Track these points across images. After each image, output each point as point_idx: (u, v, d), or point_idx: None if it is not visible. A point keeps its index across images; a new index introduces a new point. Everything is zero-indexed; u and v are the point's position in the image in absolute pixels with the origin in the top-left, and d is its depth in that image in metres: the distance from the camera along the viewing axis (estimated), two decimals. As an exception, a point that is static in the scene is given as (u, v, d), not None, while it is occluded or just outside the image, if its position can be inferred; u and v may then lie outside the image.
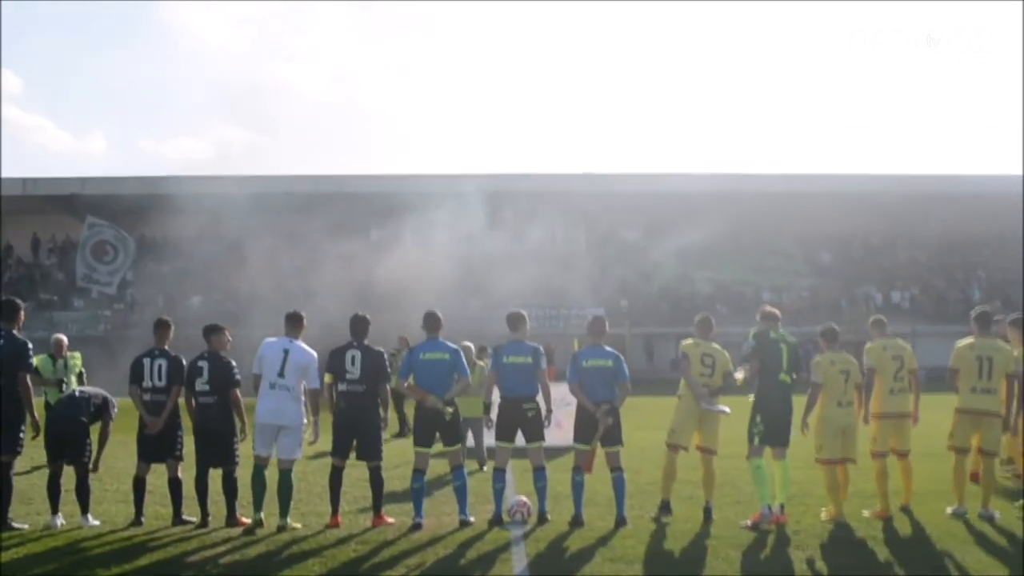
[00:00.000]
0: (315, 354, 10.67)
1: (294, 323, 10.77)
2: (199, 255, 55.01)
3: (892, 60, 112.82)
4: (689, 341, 11.26)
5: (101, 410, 10.83)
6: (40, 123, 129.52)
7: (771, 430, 10.68)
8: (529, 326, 11.00)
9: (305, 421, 10.62)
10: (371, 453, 10.61)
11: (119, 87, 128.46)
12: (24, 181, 56.02)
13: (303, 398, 10.57)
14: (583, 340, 11.15)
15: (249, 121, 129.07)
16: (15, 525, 10.33)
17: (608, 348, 10.87)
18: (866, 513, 10.82)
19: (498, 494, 10.68)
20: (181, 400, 10.77)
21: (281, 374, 10.41)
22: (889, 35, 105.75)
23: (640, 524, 10.37)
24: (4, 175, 57.45)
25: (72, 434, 10.56)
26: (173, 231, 60.67)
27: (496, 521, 10.44)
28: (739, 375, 11.01)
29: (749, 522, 10.31)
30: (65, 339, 13.85)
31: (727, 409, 10.85)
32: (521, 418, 10.66)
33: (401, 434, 19.67)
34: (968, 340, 11.24)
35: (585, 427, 10.65)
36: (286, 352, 10.49)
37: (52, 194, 56.32)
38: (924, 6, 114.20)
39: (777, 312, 11.28)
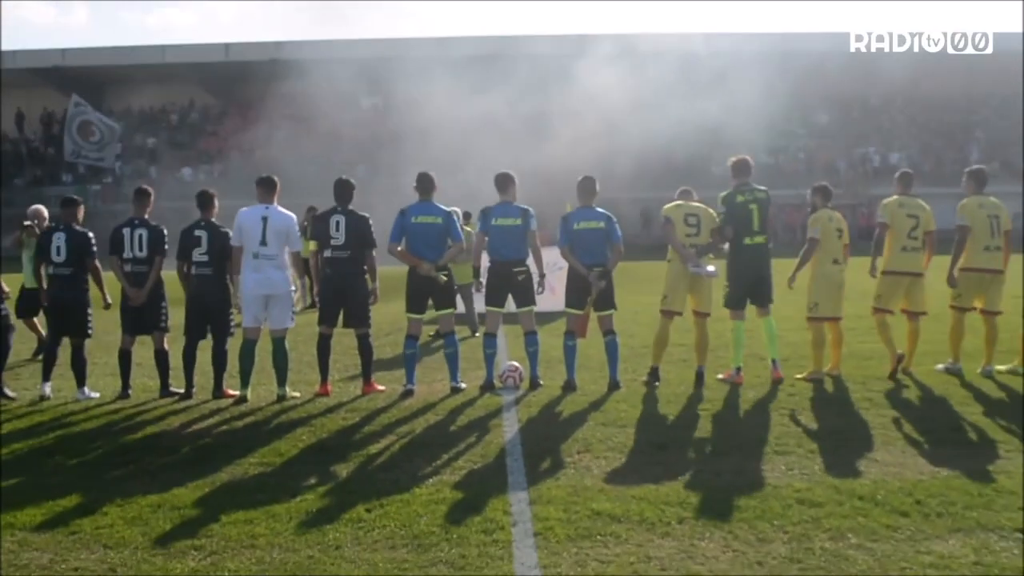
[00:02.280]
0: (294, 216, 10.35)
1: (268, 187, 10.31)
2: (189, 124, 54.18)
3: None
4: (670, 205, 10.97)
5: (84, 250, 10.45)
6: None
7: (737, 292, 10.61)
8: (517, 187, 10.64)
9: (293, 288, 10.39)
10: (359, 320, 10.39)
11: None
12: (2, 54, 54.64)
13: (288, 264, 10.29)
14: (573, 202, 10.81)
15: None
16: (7, 392, 10.39)
17: (600, 209, 10.55)
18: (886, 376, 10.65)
19: (489, 360, 10.53)
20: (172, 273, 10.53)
21: (263, 242, 10.05)
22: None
23: (633, 388, 10.26)
24: (-17, 48, 56.26)
25: (70, 307, 10.41)
26: (160, 102, 59.72)
27: (487, 387, 10.32)
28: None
29: (721, 375, 10.68)
30: (44, 210, 13.08)
31: (715, 271, 10.64)
32: (511, 282, 10.42)
33: (313, 306, 15.86)
34: (973, 198, 11.01)
35: (577, 291, 10.42)
36: (265, 219, 10.10)
37: (33, 67, 54.97)
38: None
39: (749, 160, 10.87)
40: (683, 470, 7.17)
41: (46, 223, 11.85)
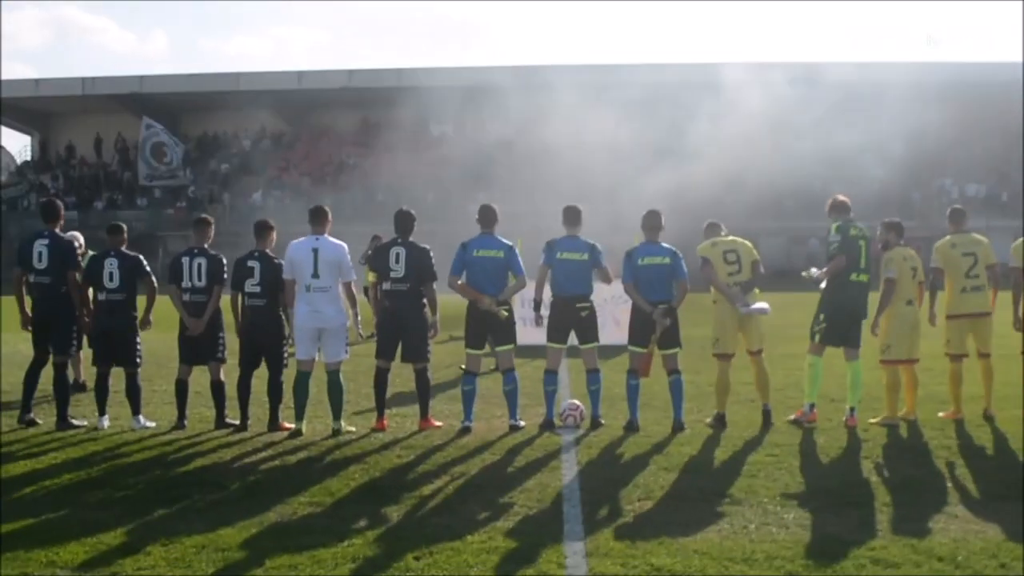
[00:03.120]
0: (345, 246, 10.14)
1: (319, 218, 10.15)
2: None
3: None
4: (705, 243, 10.62)
5: (138, 272, 10.45)
6: (103, 24, 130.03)
7: (834, 329, 10.17)
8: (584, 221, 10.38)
9: (347, 320, 10.21)
10: (417, 354, 10.18)
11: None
12: (83, 81, 56.00)
13: (341, 296, 10.10)
14: (640, 236, 10.50)
15: (307, 17, 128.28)
16: (75, 423, 10.37)
17: (665, 245, 10.22)
18: (940, 414, 10.47)
19: (550, 397, 10.25)
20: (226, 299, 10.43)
21: (315, 274, 9.87)
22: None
23: (697, 429, 9.90)
24: (66, 75, 57.62)
25: (120, 334, 10.34)
26: (232, 128, 60.55)
27: (547, 426, 10.03)
28: (813, 272, 10.38)
29: (792, 416, 10.24)
30: (80, 235, 12.25)
31: (766, 307, 10.33)
32: (574, 318, 10.13)
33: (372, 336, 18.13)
34: None
35: (641, 328, 10.09)
36: (315, 251, 9.92)
37: (112, 93, 56.19)
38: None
39: (848, 201, 10.54)
40: (748, 522, 6.80)
41: (81, 248, 11.67)
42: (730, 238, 10.67)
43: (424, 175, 47.80)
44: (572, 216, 10.35)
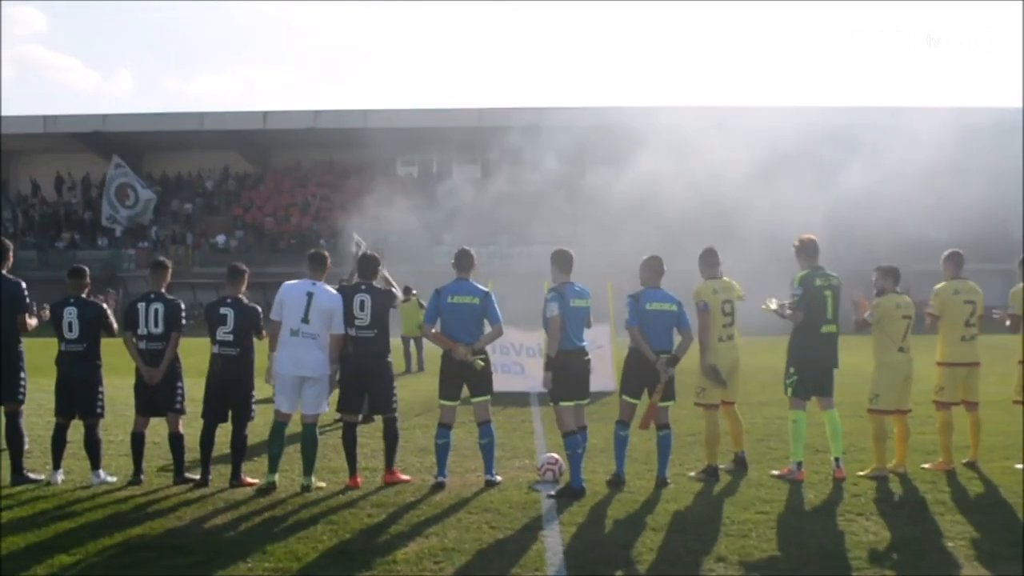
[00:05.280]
0: (340, 297, 9.63)
1: (318, 264, 9.74)
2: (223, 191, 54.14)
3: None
4: (707, 286, 10.07)
5: (100, 323, 9.89)
6: (68, 63, 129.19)
7: (806, 382, 9.77)
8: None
9: (329, 372, 9.72)
10: (384, 405, 9.70)
11: (144, 26, 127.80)
12: (45, 119, 55.31)
13: (328, 346, 9.57)
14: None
15: (273, 57, 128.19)
16: (31, 476, 9.83)
17: (669, 292, 9.73)
18: (926, 465, 10.13)
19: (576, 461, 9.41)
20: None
21: (305, 319, 9.40)
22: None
23: (681, 483, 9.49)
24: (28, 113, 56.92)
25: (82, 383, 9.77)
26: (196, 167, 60.03)
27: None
28: (772, 303, 9.96)
29: (776, 472, 9.86)
30: None
31: (723, 378, 9.87)
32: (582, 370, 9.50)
33: None
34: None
35: (637, 378, 9.55)
36: (310, 295, 9.46)
37: (74, 132, 55.52)
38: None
39: (816, 240, 10.03)
40: (746, 589, 6.38)
41: None
42: (725, 281, 10.21)
43: (390, 216, 47.48)
44: (565, 261, 9.66)
